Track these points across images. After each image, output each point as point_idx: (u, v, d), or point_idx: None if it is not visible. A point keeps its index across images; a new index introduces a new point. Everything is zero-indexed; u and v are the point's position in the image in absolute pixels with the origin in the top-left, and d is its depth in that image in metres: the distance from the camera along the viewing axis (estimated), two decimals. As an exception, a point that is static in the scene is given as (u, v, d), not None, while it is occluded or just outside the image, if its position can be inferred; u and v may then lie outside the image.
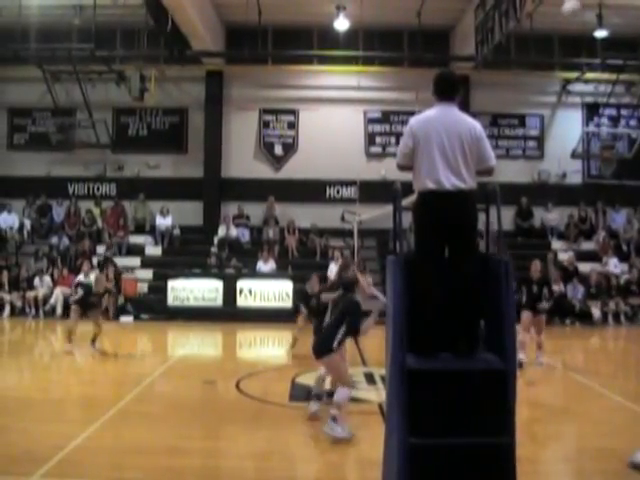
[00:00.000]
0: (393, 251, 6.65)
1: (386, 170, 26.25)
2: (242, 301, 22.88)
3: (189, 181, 27.65)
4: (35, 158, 27.70)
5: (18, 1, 23.76)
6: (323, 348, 9.13)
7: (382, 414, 9.68)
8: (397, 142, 25.42)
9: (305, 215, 27.35)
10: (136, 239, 27.21)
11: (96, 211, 27.46)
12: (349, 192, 27.27)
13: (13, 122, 28.14)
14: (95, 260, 24.66)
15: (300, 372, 13.15)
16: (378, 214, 21.99)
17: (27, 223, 27.25)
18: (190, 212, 27.52)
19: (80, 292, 16.18)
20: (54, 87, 26.50)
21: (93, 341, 15.89)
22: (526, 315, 14.30)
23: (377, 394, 11.19)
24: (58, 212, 27.52)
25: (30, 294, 23.09)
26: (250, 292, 22.82)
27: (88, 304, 15.96)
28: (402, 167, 6.77)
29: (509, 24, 20.04)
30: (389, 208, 7.14)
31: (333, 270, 21.79)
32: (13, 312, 22.89)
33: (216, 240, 25.89)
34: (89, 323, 15.50)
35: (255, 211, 27.52)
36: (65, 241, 26.60)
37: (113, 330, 20.16)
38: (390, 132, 27.68)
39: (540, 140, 28.23)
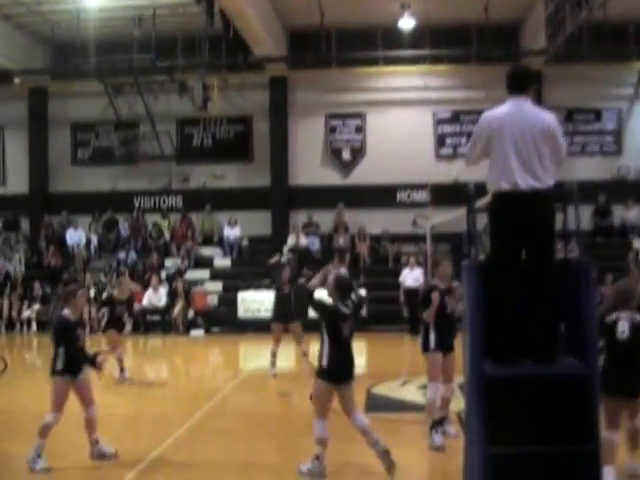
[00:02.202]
0: (468, 255, 6.59)
1: (458, 172, 25.23)
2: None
3: (256, 190, 27.88)
4: (100, 173, 28.32)
5: (77, 15, 24.23)
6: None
7: (461, 424, 9.67)
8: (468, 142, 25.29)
9: (376, 221, 27.28)
10: (204, 251, 27.58)
11: (163, 224, 27.89)
12: (420, 196, 27.11)
13: (77, 137, 28.81)
14: (164, 274, 25.42)
15: (375, 382, 13.22)
16: (451, 217, 21.95)
17: (94, 239, 27.88)
18: (258, 222, 27.67)
19: (104, 313, 15.95)
20: (116, 100, 27.14)
21: (122, 370, 14.92)
22: None
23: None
24: (124, 226, 28.06)
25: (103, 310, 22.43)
26: None
27: (117, 320, 15.03)
28: (472, 164, 6.70)
29: (581, 14, 19.72)
30: (462, 211, 7.03)
31: (407, 277, 22.64)
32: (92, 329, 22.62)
33: (285, 250, 25.75)
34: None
35: (324, 219, 27.49)
36: (133, 255, 27.23)
37: (183, 344, 20.78)
38: (460, 132, 27.57)
39: (618, 135, 27.82)
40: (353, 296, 8.21)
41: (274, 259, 17.67)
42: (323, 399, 7.99)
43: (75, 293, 8.76)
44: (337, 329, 7.91)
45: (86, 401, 8.71)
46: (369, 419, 8.38)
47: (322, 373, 7.99)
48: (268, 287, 21.77)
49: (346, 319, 8.05)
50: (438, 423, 9.67)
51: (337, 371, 7.95)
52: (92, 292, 24.35)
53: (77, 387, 8.50)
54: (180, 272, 25.77)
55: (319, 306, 8.01)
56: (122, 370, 15.03)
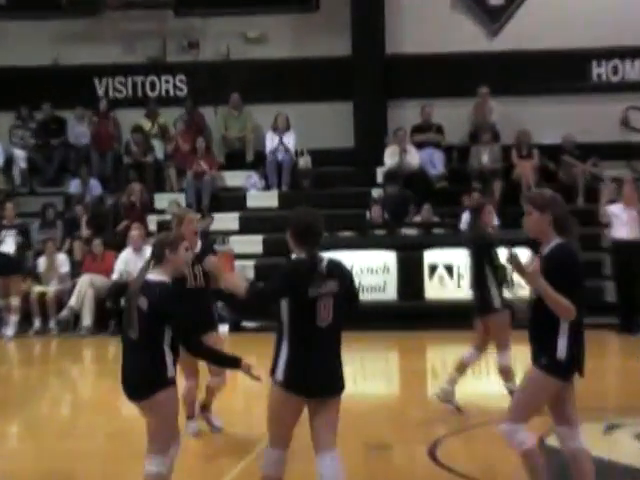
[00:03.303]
0: None
1: None
2: (435, 289, 18.63)
3: (325, 65, 21.82)
4: (29, 32, 22.48)
5: None
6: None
7: None
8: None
9: (549, 120, 20.63)
10: (230, 179, 21.62)
11: (151, 128, 21.90)
12: (637, 72, 20.92)
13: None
14: (153, 222, 19.98)
15: (551, 425, 8.24)
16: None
17: (19, 156, 21.88)
18: (329, 124, 21.51)
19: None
20: None
21: (204, 408, 10.88)
22: None
23: None
24: (77, 134, 22.03)
25: (35, 289, 18.75)
26: (449, 271, 18.51)
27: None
28: None
29: None
30: None
31: (618, 223, 17.47)
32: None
33: (381, 174, 20.44)
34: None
35: (452, 116, 21.07)
36: (94, 187, 21.19)
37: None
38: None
39: None
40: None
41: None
42: (279, 416, 6.71)
43: None
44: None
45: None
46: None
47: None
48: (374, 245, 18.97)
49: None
50: None
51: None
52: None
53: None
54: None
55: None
56: None
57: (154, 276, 6.65)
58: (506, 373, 9.95)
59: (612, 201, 17.92)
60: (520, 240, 18.34)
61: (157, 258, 6.74)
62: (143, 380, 6.48)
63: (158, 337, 6.58)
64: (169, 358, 6.52)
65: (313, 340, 6.27)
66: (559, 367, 6.26)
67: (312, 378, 6.27)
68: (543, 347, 6.25)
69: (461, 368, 10.39)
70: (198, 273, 9.32)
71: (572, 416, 6.57)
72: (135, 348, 6.60)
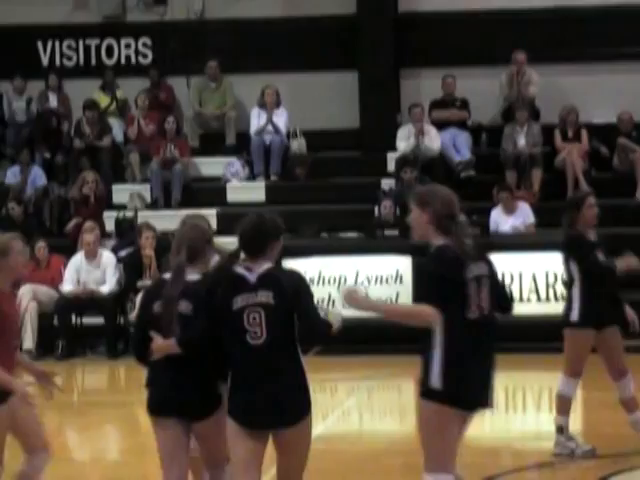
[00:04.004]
0: None
1: None
2: None
3: (324, 25, 20.33)
4: None
5: None
6: None
7: None
8: None
9: (602, 94, 19.10)
10: (206, 167, 20.22)
11: (108, 105, 20.36)
12: None
13: None
14: (111, 219, 18.73)
15: (609, 469, 9.74)
16: None
17: None
18: (328, 99, 19.89)
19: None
20: None
21: None
22: None
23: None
24: (14, 110, 20.59)
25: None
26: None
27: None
28: None
29: None
30: None
31: None
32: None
33: (393, 161, 18.84)
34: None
35: (480, 89, 19.27)
36: (38, 177, 19.65)
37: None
38: None
39: None
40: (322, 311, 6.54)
41: None
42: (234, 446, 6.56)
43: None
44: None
45: None
46: None
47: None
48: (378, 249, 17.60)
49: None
50: None
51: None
52: None
53: None
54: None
55: None
56: None
57: (192, 276, 6.68)
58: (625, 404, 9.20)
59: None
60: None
61: (194, 256, 6.69)
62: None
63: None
64: None
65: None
66: (433, 392, 6.06)
67: (250, 410, 6.28)
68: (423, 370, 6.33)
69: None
70: None
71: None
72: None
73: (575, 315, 8.89)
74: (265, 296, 6.13)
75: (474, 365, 5.75)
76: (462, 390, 5.66)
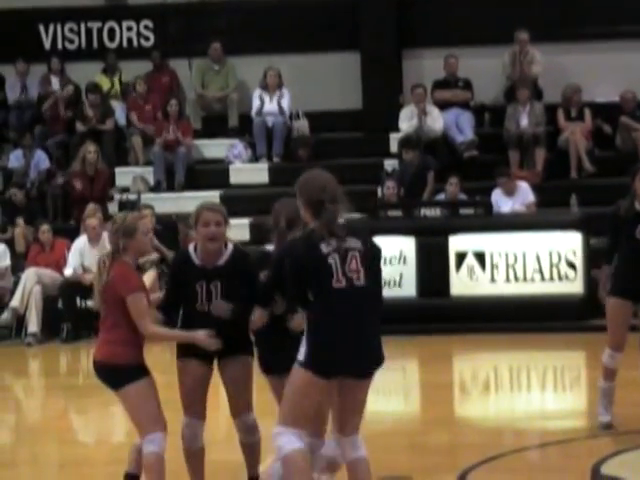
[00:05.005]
0: None
1: None
2: (463, 283, 17.05)
3: (325, 5, 20.38)
4: None
5: None
6: None
7: None
8: None
9: (605, 73, 19.25)
10: (209, 149, 20.31)
11: (110, 88, 20.50)
12: None
13: None
14: (114, 202, 18.84)
15: (610, 451, 9.35)
16: None
17: None
18: (330, 80, 20.00)
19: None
20: None
21: None
22: None
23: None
24: (17, 91, 20.61)
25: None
26: (481, 260, 16.95)
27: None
28: None
29: None
30: None
31: None
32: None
33: (396, 142, 18.96)
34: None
35: (482, 68, 19.35)
36: (41, 160, 19.57)
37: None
38: None
39: None
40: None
41: None
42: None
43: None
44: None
45: None
46: None
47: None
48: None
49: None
50: None
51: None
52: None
53: None
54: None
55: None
56: None
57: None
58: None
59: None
60: (565, 222, 17.08)
61: (291, 224, 6.95)
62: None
63: None
64: None
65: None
66: (300, 361, 6.43)
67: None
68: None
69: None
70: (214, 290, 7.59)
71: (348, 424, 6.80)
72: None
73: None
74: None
75: (339, 333, 5.89)
76: (321, 358, 5.85)
